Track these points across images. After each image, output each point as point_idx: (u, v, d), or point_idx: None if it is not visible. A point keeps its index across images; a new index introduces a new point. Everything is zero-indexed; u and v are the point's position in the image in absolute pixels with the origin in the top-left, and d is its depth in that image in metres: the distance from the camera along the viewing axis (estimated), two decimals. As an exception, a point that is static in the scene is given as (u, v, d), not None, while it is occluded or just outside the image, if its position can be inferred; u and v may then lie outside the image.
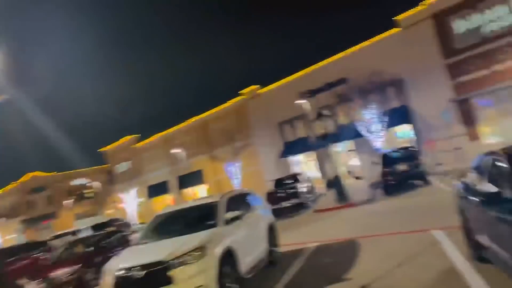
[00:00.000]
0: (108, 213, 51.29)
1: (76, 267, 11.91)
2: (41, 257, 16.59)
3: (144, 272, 6.13)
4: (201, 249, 6.34)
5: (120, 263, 6.57)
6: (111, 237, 14.60)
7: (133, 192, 43.69)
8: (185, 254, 6.23)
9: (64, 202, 53.67)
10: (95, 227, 24.61)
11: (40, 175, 58.60)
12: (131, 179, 45.19)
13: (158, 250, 6.54)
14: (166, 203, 44.17)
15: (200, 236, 6.69)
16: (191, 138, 39.25)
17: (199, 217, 7.80)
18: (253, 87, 34.47)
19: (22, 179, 58.46)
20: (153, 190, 43.63)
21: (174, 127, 41.32)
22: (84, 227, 26.08)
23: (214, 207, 7.71)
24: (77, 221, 50.42)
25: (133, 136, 45.86)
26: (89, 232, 22.03)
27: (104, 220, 33.48)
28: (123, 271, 6.30)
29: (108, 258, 13.10)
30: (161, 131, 42.48)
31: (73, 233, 23.81)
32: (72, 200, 53.98)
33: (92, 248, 13.37)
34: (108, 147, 49.17)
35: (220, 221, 7.28)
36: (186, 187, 40.86)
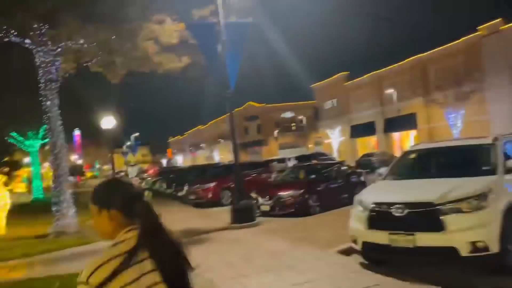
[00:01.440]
0: (310, 147, 53.62)
1: (300, 191, 12.26)
2: (263, 176, 18.00)
3: (407, 211, 5.33)
4: (480, 198, 5.12)
5: (376, 197, 5.93)
6: (331, 168, 14.58)
7: (339, 129, 43.97)
8: (460, 199, 5.14)
9: (273, 132, 58.13)
10: (300, 158, 25.47)
11: (255, 105, 64.74)
12: (337, 117, 45.35)
13: (425, 190, 5.65)
14: (369, 144, 43.20)
15: (478, 182, 5.44)
16: (405, 78, 36.20)
17: (466, 160, 6.49)
18: (494, 21, 28.80)
19: (243, 107, 65.58)
20: (356, 130, 42.97)
21: (387, 67, 38.79)
22: (290, 156, 27.36)
23: (488, 151, 6.23)
24: (282, 150, 54.34)
25: (343, 73, 45.27)
26: (293, 162, 22.92)
27: (309, 153, 34.94)
28: (381, 206, 5.65)
29: (329, 188, 13.33)
30: (373, 70, 40.55)
31: (281, 160, 25.17)
32: (279, 131, 58.01)
33: (314, 176, 13.57)
34: (318, 83, 50.07)
35: (500, 168, 5.80)
36: (394, 130, 38.71)
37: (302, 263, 6.78)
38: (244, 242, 9.04)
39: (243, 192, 11.60)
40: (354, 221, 6.16)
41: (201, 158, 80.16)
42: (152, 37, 11.92)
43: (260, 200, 12.60)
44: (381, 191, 6.38)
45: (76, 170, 51.07)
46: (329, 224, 10.30)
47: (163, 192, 24.04)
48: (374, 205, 5.74)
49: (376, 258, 6.13)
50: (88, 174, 74.10)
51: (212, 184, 16.91)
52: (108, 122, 17.86)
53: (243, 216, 10.90)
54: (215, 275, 6.37)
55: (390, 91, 36.38)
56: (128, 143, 66.68)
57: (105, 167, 75.80)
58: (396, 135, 39.66)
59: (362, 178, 14.48)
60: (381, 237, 5.53)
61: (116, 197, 1.52)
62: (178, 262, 1.53)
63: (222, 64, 11.06)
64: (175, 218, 13.29)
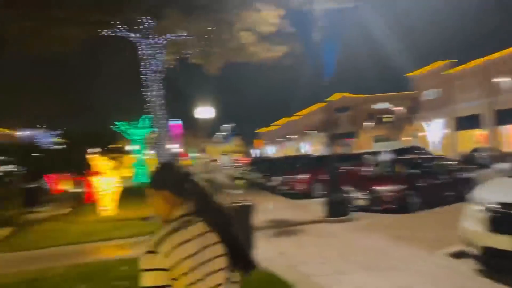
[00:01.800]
0: (405, 140, 50.68)
1: (399, 186, 11.49)
2: (356, 169, 17.29)
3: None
4: None
5: (502, 196, 5.20)
6: (435, 163, 13.47)
7: (438, 122, 40.82)
8: None
9: (365, 123, 56.01)
10: (396, 152, 23.96)
11: (347, 95, 62.95)
12: (438, 108, 42.08)
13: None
14: (471, 138, 39.46)
15: None
16: (521, 65, 32.24)
17: None
18: None
19: (333, 97, 64.19)
20: (461, 123, 39.45)
21: (497, 53, 34.89)
22: (384, 149, 25.93)
23: None
24: (376, 143, 52.08)
25: (446, 61, 41.79)
26: (390, 156, 21.59)
27: (405, 146, 32.87)
28: (508, 207, 4.93)
29: (432, 184, 12.32)
30: (480, 57, 36.76)
31: (374, 153, 23.93)
32: (372, 122, 55.70)
33: (415, 171, 12.63)
34: (417, 72, 46.94)
35: None
36: (506, 123, 34.82)
37: (405, 264, 6.26)
38: (339, 237, 8.69)
39: (338, 185, 11.18)
40: (470, 222, 5.49)
41: (290, 149, 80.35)
42: (249, 27, 11.98)
43: (355, 193, 12.07)
44: (507, 189, 5.58)
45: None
46: (432, 223, 9.49)
47: (255, 181, 24.43)
48: (499, 206, 5.02)
49: (496, 265, 5.40)
50: (185, 162, 78.58)
51: (304, 176, 16.69)
52: (205, 112, 18.54)
53: (337, 209, 10.52)
54: (311, 269, 6.16)
55: (502, 79, 32.71)
56: (221, 133, 69.24)
57: (200, 155, 79.84)
58: (510, 129, 35.63)
59: (470, 175, 13.15)
60: (505, 242, 4.83)
61: (168, 180, 1.67)
62: (232, 232, 1.64)
63: (319, 52, 10.71)
64: (267, 208, 13.34)
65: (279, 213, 12.43)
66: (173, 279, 1.47)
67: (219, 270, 1.56)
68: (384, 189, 11.54)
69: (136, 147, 31.53)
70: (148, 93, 11.60)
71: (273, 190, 18.84)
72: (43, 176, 28.14)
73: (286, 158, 29.30)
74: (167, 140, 12.49)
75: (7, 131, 37.38)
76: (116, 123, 28.65)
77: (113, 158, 16.98)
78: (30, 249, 9.18)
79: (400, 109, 53.34)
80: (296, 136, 79.65)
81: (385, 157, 21.33)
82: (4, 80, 18.93)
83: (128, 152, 40.69)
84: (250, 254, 1.69)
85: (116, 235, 10.22)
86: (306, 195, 16.23)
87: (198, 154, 76.93)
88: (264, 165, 27.01)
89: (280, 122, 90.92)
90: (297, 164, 20.45)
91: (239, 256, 1.66)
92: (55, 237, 10.28)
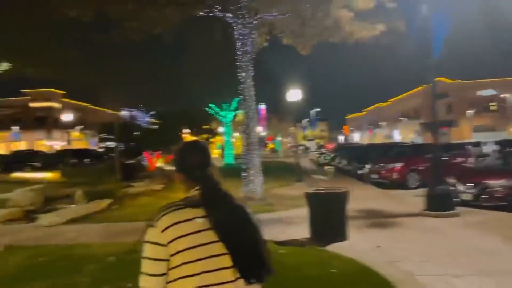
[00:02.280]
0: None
1: (515, 181, 10.09)
2: (458, 160, 15.78)
3: None
4: None
5: None
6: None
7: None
8: None
9: (466, 112, 51.61)
10: (503, 143, 21.41)
11: (445, 81, 58.21)
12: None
13: None
14: None
15: None
16: None
17: None
18: None
19: (432, 82, 59.77)
20: None
21: None
22: (488, 141, 23.34)
23: None
24: (477, 133, 47.91)
25: None
26: (494, 148, 19.30)
27: (514, 138, 29.33)
28: None
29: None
30: None
31: (476, 144, 21.65)
32: (474, 111, 51.13)
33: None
34: (531, 54, 41.59)
35: None
36: None
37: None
38: (443, 234, 7.81)
39: (442, 176, 10.13)
40: None
41: (379, 136, 77.22)
42: (346, 4, 11.23)
43: (460, 187, 10.87)
44: None
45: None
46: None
47: (342, 168, 23.61)
48: None
49: None
50: (270, 146, 79.27)
51: (398, 165, 15.57)
52: (294, 95, 18.07)
53: (440, 203, 9.51)
54: (415, 268, 5.52)
55: None
56: (307, 119, 68.31)
57: (285, 140, 79.85)
58: None
59: None
60: None
61: (181, 163, 1.72)
62: (237, 226, 1.58)
63: (426, 28, 9.66)
64: (357, 196, 12.63)
65: (371, 203, 11.69)
66: (172, 255, 1.52)
67: (216, 256, 1.54)
68: (496, 183, 10.22)
69: (226, 128, 32.33)
70: (243, 74, 11.43)
71: (362, 178, 17.94)
72: (142, 153, 30.26)
73: (376, 146, 27.95)
74: (256, 123, 12.28)
75: (110, 110, 40.61)
76: (209, 105, 29.57)
77: (205, 139, 17.41)
78: (127, 221, 9.67)
79: (508, 96, 48.10)
80: (385, 123, 76.14)
81: (492, 148, 19.19)
82: (109, 63, 20.26)
83: (218, 134, 42.11)
84: (265, 261, 1.58)
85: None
86: (399, 185, 15.16)
87: (282, 139, 77.20)
88: (351, 151, 26.00)
89: (370, 108, 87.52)
90: (389, 152, 19.26)
91: (247, 263, 1.57)
92: (150, 212, 10.72)
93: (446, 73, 55.70)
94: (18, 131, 52.15)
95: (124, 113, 44.07)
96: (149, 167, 26.98)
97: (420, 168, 15.26)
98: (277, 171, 21.25)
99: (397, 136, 68.61)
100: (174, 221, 1.54)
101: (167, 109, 39.24)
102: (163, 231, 1.53)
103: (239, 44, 11.58)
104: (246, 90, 11.84)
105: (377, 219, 9.41)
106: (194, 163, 1.69)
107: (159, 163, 29.08)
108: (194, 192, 1.64)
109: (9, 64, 18.04)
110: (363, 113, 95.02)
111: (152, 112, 46.51)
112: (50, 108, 56.69)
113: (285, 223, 9.01)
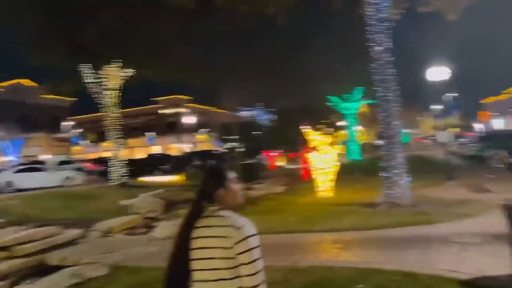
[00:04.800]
0: None
1: None
2: None
3: None
4: None
5: None
6: None
7: None
8: None
9: None
10: None
11: None
12: None
13: None
14: None
15: None
16: None
17: None
18: None
19: None
20: None
21: None
22: None
23: None
24: None
25: None
26: None
27: None
28: None
29: None
30: None
31: None
32: None
33: None
34: None
35: None
36: None
37: None
38: None
39: None
40: None
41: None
42: None
43: None
44: None
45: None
46: None
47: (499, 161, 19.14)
48: None
49: None
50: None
51: None
52: (437, 73, 14.64)
53: None
54: None
55: None
56: (439, 106, 60.57)
57: (412, 131, 72.76)
58: None
59: None
60: None
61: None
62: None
63: None
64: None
65: None
66: None
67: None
68: None
69: (349, 121, 29.63)
70: (377, 48, 8.99)
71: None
72: (261, 152, 29.48)
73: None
74: (397, 109, 9.68)
75: (226, 111, 40.91)
76: (329, 97, 27.25)
77: (327, 134, 15.30)
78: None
79: None
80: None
81: None
82: (223, 59, 19.44)
83: (340, 128, 39.40)
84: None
85: (337, 226, 8.28)
86: None
87: (410, 130, 70.37)
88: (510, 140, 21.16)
89: (514, 89, 75.06)
90: None
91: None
92: (272, 220, 9.06)
93: None
94: (153, 136, 56.34)
95: (243, 112, 44.17)
96: (269, 166, 25.87)
97: None
98: (416, 167, 17.95)
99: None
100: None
101: (286, 105, 37.87)
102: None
103: (372, 9, 9.19)
104: (382, 68, 9.39)
105: None
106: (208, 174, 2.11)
107: (280, 162, 27.78)
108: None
109: (133, 70, 18.35)
110: (504, 95, 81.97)
111: (271, 110, 45.73)
112: (177, 114, 60.21)
113: (457, 243, 6.39)
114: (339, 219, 8.85)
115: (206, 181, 2.03)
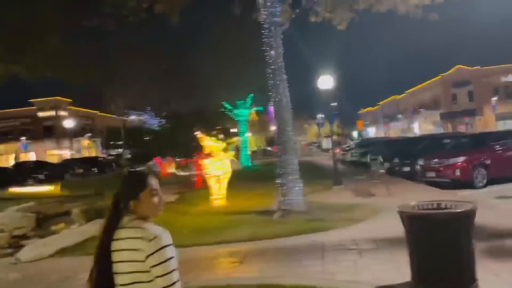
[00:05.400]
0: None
1: None
2: None
3: None
4: None
5: None
6: None
7: None
8: None
9: (489, 99, 48.78)
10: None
11: (466, 68, 55.13)
12: None
13: None
14: None
15: None
16: None
17: None
18: None
19: (450, 71, 56.84)
20: None
21: None
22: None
23: None
24: (501, 121, 45.37)
25: None
26: None
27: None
28: None
29: None
30: None
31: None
32: (496, 98, 48.21)
33: None
34: None
35: None
36: None
37: None
38: None
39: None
40: None
41: (394, 130, 74.28)
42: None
43: None
44: None
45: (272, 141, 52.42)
46: None
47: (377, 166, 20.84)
48: None
49: None
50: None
51: (460, 159, 12.82)
52: (325, 82, 15.19)
53: None
54: None
55: None
56: (321, 115, 64.85)
57: (298, 137, 76.78)
58: None
59: None
60: None
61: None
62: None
63: None
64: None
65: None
66: None
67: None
68: None
69: (241, 128, 29.77)
70: (272, 52, 8.81)
71: (411, 177, 15.21)
72: (153, 159, 28.06)
73: (414, 139, 25.29)
74: (291, 115, 9.66)
75: (113, 115, 38.47)
76: (223, 103, 27.01)
77: (220, 140, 14.90)
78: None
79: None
80: (402, 116, 73.03)
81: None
82: (109, 58, 17.91)
83: (233, 134, 39.53)
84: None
85: (233, 237, 7.85)
86: (463, 184, 12.43)
87: (298, 137, 74.07)
88: (386, 147, 23.29)
89: (385, 101, 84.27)
90: (445, 146, 16.57)
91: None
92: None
93: (467, 60, 52.85)
94: (26, 142, 50.25)
95: (132, 117, 41.84)
96: (161, 173, 24.67)
97: (486, 162, 12.61)
98: (304, 173, 18.55)
99: (417, 128, 65.73)
100: None
101: (178, 109, 36.71)
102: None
103: (266, 13, 9.02)
104: (277, 73, 9.28)
105: (490, 241, 6.20)
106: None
107: (171, 169, 26.69)
108: None
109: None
110: (376, 107, 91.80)
111: (162, 114, 44.03)
112: (57, 117, 54.81)
113: (352, 250, 6.37)
114: (234, 230, 8.45)
115: (120, 190, 1.91)
